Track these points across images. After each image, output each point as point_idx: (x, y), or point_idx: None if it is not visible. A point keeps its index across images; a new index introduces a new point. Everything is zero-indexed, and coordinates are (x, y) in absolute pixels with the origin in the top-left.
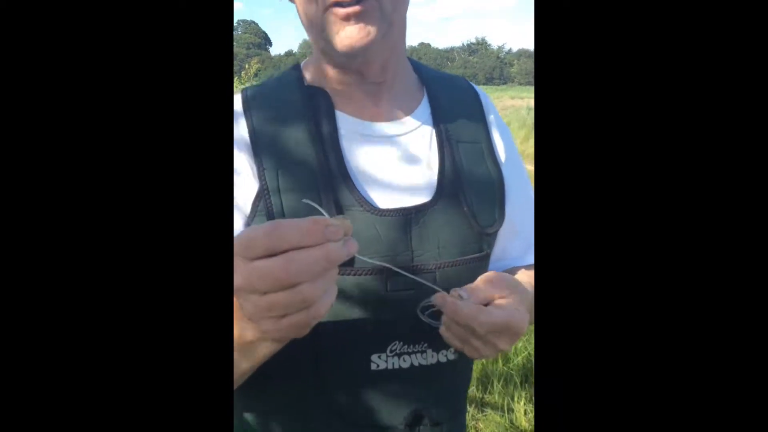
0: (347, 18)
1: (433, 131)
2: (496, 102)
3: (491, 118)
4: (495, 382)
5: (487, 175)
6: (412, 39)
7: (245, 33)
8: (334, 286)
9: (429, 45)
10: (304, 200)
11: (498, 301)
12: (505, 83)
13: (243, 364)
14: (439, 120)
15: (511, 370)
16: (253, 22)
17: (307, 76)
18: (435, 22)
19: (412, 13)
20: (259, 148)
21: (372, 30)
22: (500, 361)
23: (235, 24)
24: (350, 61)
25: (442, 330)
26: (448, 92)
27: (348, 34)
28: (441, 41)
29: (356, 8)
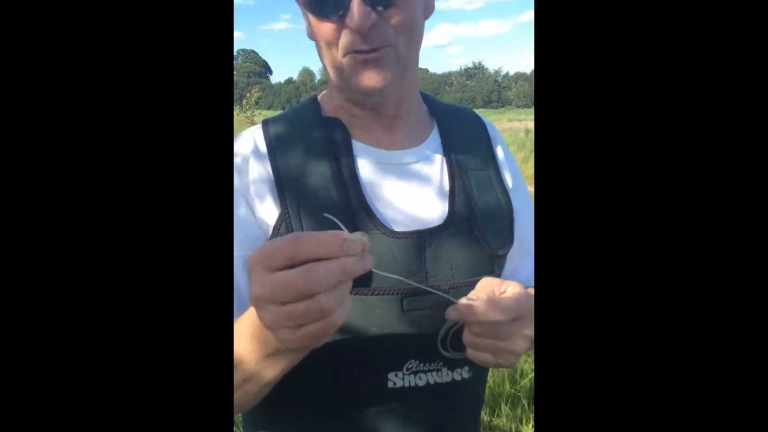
0: (366, 63)
1: (444, 159)
2: (496, 125)
3: (498, 146)
4: (503, 405)
5: (496, 200)
6: None
7: (245, 62)
8: (349, 298)
9: (427, 70)
10: (325, 214)
11: (503, 295)
12: (503, 106)
13: (265, 376)
14: (449, 148)
15: (519, 392)
16: (253, 51)
17: (325, 107)
18: (431, 49)
19: None
20: (282, 182)
21: (388, 74)
22: (507, 384)
23: (235, 53)
24: (367, 99)
25: (470, 353)
26: (457, 123)
27: (366, 77)
28: (438, 67)
29: (375, 55)
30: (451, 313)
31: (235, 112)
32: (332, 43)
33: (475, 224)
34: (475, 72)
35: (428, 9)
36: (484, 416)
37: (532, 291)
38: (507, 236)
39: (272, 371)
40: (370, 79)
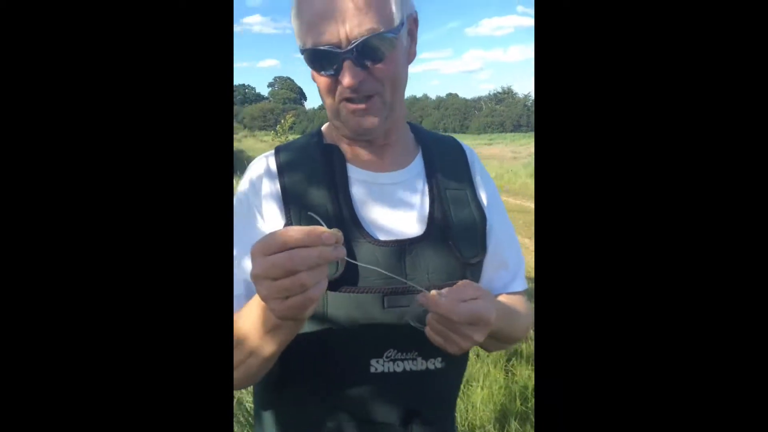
0: (356, 111)
1: (426, 180)
2: (524, 149)
3: (476, 169)
4: (512, 421)
5: (471, 216)
6: (439, 90)
7: (281, 89)
8: (325, 279)
9: (456, 95)
10: (309, 213)
11: (470, 300)
12: (532, 130)
13: (265, 350)
14: (431, 171)
15: (529, 410)
16: (289, 79)
17: (326, 136)
18: (461, 74)
19: (437, 67)
20: (288, 198)
21: (376, 120)
22: (518, 401)
23: (272, 80)
24: (358, 137)
25: (427, 330)
26: (439, 149)
27: (356, 123)
28: (468, 92)
29: (363, 105)
30: (420, 298)
31: (270, 137)
32: (329, 92)
33: (450, 236)
34: (505, 96)
35: (410, 55)
36: (493, 431)
37: (504, 298)
38: (479, 247)
39: (270, 347)
40: (361, 123)
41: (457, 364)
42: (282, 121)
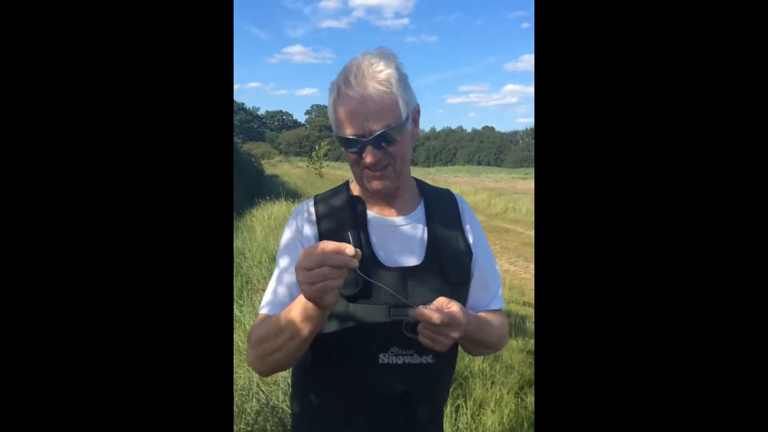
0: (374, 177)
1: (425, 223)
2: None
3: (465, 216)
4: None
5: (458, 251)
6: (476, 123)
7: (318, 117)
8: (343, 276)
9: (492, 128)
10: (348, 231)
11: (446, 309)
12: None
13: (302, 332)
14: (429, 217)
15: None
16: (326, 107)
17: (353, 189)
18: (498, 109)
19: (474, 100)
20: (322, 236)
21: (388, 183)
22: (526, 425)
23: (309, 108)
24: (374, 195)
25: (420, 336)
26: (437, 199)
27: (375, 184)
28: (504, 125)
29: (378, 173)
30: (410, 312)
31: (304, 163)
32: (355, 164)
33: (442, 265)
34: None
35: (414, 134)
36: None
37: (482, 314)
38: (464, 274)
39: (305, 330)
40: (377, 185)
41: (444, 361)
42: (317, 147)
